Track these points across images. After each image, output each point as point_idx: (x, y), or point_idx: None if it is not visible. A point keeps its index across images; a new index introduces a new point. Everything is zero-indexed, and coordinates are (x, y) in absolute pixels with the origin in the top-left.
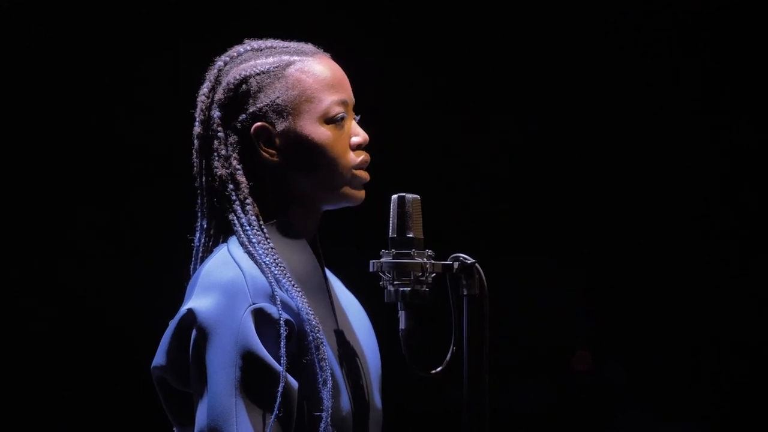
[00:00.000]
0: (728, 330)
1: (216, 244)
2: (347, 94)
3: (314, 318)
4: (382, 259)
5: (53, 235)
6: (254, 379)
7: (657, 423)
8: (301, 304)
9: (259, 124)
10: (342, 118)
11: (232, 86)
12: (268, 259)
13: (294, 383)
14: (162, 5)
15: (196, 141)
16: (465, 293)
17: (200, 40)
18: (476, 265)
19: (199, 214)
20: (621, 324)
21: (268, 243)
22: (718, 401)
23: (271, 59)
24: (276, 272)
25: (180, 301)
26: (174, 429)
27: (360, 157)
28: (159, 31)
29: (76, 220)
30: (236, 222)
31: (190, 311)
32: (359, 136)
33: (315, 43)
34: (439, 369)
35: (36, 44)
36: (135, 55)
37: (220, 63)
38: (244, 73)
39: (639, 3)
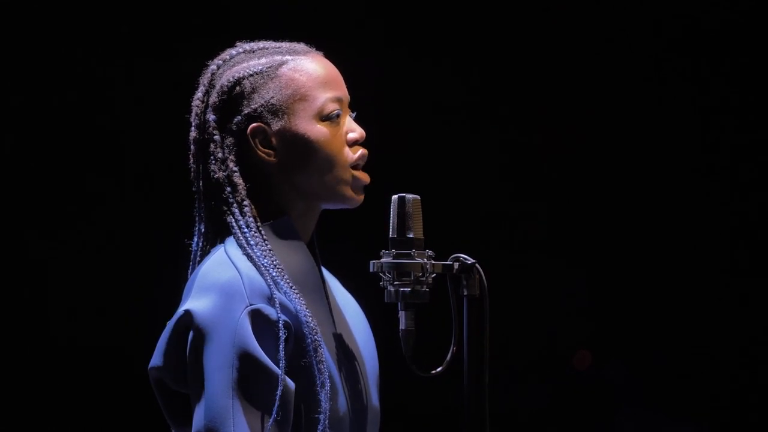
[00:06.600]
0: (728, 329)
1: (213, 247)
2: (341, 90)
3: (312, 320)
4: (383, 260)
5: (50, 236)
6: (251, 380)
7: (657, 423)
8: (299, 306)
9: (254, 124)
10: (337, 115)
11: (225, 89)
12: (266, 260)
13: (291, 385)
14: (158, 10)
15: (192, 145)
16: (465, 293)
17: (194, 45)
18: (476, 265)
19: (197, 218)
20: (621, 324)
21: (266, 245)
22: (718, 401)
23: (263, 60)
24: (274, 274)
25: (177, 303)
26: (171, 430)
27: (357, 153)
28: (155, 34)
29: (72, 221)
30: (234, 224)
31: (187, 312)
32: (356, 132)
33: (317, 42)
34: (439, 369)
35: (31, 43)
36: (133, 59)
37: (213, 66)
38: (237, 75)
39: (641, 8)
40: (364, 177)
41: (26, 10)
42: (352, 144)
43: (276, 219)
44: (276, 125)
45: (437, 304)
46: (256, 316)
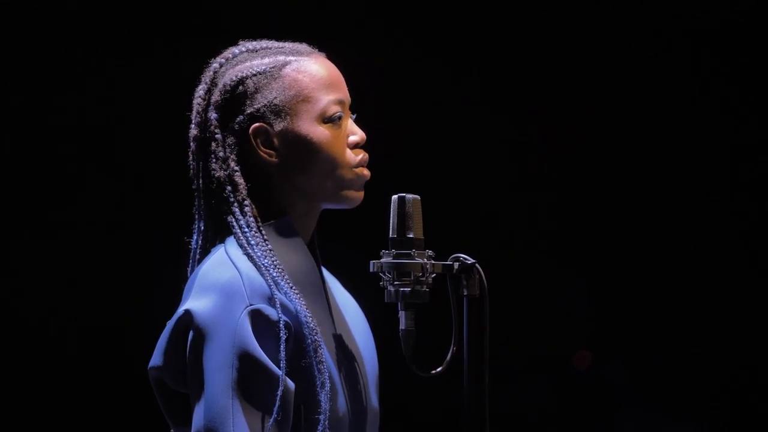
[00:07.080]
0: (728, 329)
1: (213, 246)
2: (343, 93)
3: (312, 321)
4: (383, 260)
5: (50, 236)
6: (251, 380)
7: (657, 423)
8: (299, 307)
9: (257, 124)
10: (339, 118)
11: (228, 88)
12: (266, 261)
13: (291, 385)
14: (158, 10)
15: (192, 143)
16: (465, 293)
17: (194, 45)
18: (476, 265)
19: (197, 216)
20: (621, 324)
21: (267, 245)
22: (718, 401)
23: (266, 60)
24: (275, 274)
25: (177, 302)
26: (171, 430)
27: (359, 156)
28: (155, 34)
29: (72, 221)
30: (235, 224)
31: (187, 312)
32: (357, 134)
33: (317, 42)
34: (439, 369)
35: (31, 43)
36: (133, 59)
37: (215, 65)
38: (240, 74)
39: (641, 8)
40: (365, 172)
41: (26, 10)
42: (353, 147)
43: (277, 219)
44: (278, 126)
45: (437, 304)
46: (256, 317)
